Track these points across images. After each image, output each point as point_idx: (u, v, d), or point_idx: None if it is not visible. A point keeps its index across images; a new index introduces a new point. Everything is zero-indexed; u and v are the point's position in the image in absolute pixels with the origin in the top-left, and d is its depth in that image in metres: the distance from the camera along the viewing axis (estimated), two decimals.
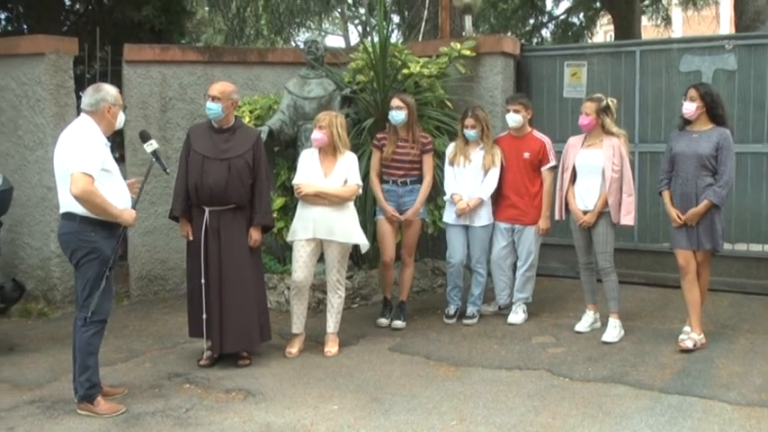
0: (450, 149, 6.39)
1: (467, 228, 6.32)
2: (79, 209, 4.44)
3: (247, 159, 5.34)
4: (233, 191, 5.28)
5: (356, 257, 6.87)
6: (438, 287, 7.33)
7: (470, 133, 6.25)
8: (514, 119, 6.28)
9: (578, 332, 5.94)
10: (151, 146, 4.90)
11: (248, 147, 5.38)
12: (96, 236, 4.46)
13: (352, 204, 5.73)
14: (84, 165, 4.34)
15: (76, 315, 4.63)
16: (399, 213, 6.23)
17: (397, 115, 6.16)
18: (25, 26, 10.59)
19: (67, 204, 4.50)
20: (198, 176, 5.27)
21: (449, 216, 6.37)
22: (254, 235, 5.41)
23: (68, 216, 4.51)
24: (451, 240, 6.37)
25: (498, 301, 6.49)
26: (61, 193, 4.54)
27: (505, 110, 6.41)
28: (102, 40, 8.41)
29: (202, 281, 5.28)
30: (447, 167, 6.35)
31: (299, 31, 16.91)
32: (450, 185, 6.33)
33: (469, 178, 6.26)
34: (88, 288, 4.51)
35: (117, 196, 4.55)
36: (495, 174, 6.25)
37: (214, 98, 5.32)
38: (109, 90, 4.61)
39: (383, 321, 6.40)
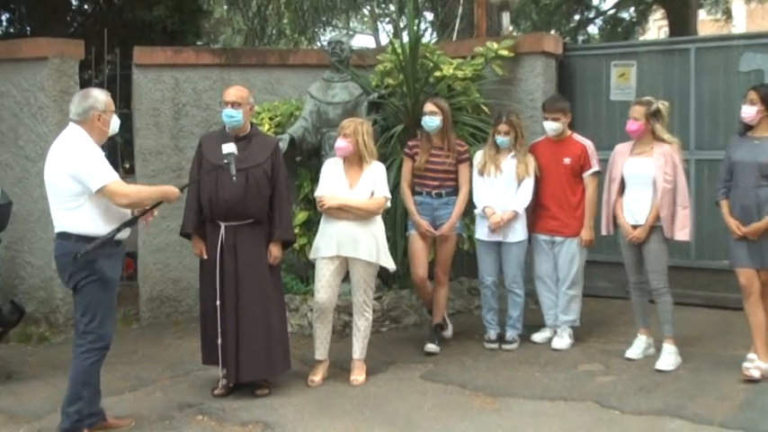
0: (478, 158, 6.33)
1: (500, 244, 6.29)
2: (75, 228, 4.50)
3: (266, 169, 5.38)
4: (251, 203, 5.31)
5: (385, 276, 6.85)
6: (475, 309, 7.28)
7: (503, 140, 6.22)
8: (553, 127, 6.24)
9: (629, 359, 5.86)
10: (229, 147, 5.06)
11: (267, 155, 5.42)
12: (95, 256, 4.48)
13: (379, 219, 5.73)
14: (105, 175, 4.45)
15: (75, 342, 4.64)
16: (434, 228, 6.21)
17: (431, 121, 6.15)
18: (28, 28, 10.72)
19: (62, 223, 4.55)
20: (212, 189, 5.30)
21: (481, 232, 6.34)
22: (275, 251, 5.43)
23: (64, 236, 4.54)
24: (483, 258, 6.34)
25: (547, 322, 6.44)
26: (55, 211, 4.58)
27: (543, 117, 6.37)
28: (111, 42, 8.50)
29: (217, 303, 5.29)
30: (476, 178, 6.29)
31: (324, 30, 16.90)
32: (480, 198, 6.29)
33: (502, 189, 6.23)
34: (90, 313, 4.52)
35: (112, 212, 4.57)
36: (529, 184, 6.21)
37: (234, 104, 5.37)
38: (98, 96, 4.63)
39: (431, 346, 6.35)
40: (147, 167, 7.61)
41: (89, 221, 4.48)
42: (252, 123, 5.58)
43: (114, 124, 4.72)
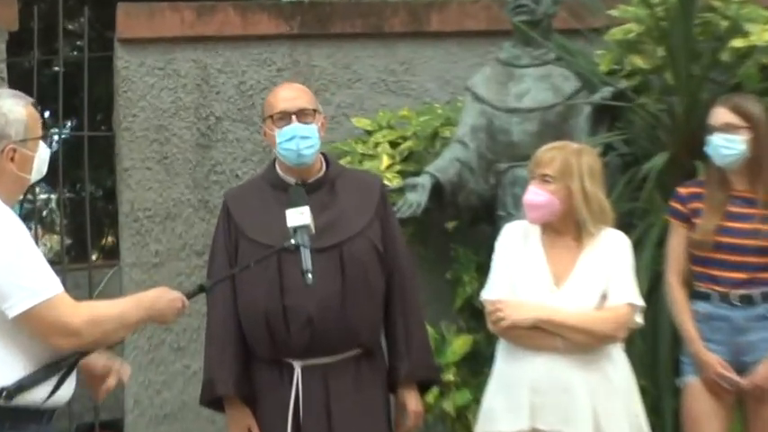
0: None
1: None
2: None
3: (373, 240, 5.46)
4: (355, 316, 5.36)
5: None
6: None
7: None
8: None
9: None
10: (301, 216, 4.99)
11: (369, 212, 5.52)
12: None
13: (619, 352, 5.71)
14: (37, 284, 4.30)
15: None
16: (737, 371, 6.09)
17: (728, 144, 6.09)
18: None
19: None
20: (273, 294, 5.34)
21: None
22: (411, 403, 5.56)
23: None
24: None
25: None
26: None
27: None
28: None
29: None
30: None
31: None
32: None
33: None
34: None
35: (43, 350, 4.40)
36: None
37: (301, 114, 5.42)
38: (8, 111, 4.48)
39: None
40: (144, 247, 7.80)
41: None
42: (326, 155, 5.70)
43: (40, 164, 4.61)
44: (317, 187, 5.47)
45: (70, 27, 8.94)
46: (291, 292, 5.28)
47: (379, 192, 5.62)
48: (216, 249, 5.64)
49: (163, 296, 4.62)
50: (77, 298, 4.46)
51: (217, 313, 5.50)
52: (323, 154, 5.64)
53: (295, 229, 4.94)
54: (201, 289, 4.80)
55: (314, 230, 4.99)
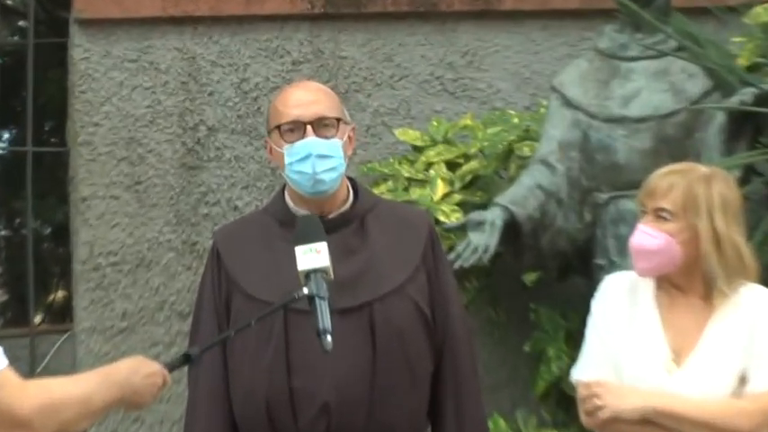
0: None
1: None
2: None
3: (416, 299, 5.33)
4: (392, 404, 5.24)
5: None
6: None
7: None
8: None
9: None
10: (316, 256, 4.80)
11: (414, 261, 5.38)
12: None
13: None
14: None
15: None
16: None
17: None
18: None
19: None
20: (276, 370, 5.18)
21: None
22: None
23: None
24: None
25: None
26: None
27: None
28: None
29: None
30: None
31: None
32: None
33: None
34: None
35: None
36: None
37: (320, 125, 5.27)
38: None
39: None
40: (107, 305, 7.75)
41: None
42: (354, 181, 5.55)
43: None
44: (341, 225, 5.32)
45: (9, 2, 8.85)
46: (302, 368, 5.13)
47: (427, 231, 5.46)
48: (201, 309, 5.48)
49: (139, 369, 4.55)
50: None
51: (199, 395, 5.35)
52: (350, 179, 5.50)
53: (307, 274, 4.77)
54: (187, 359, 4.69)
55: (333, 275, 4.80)
